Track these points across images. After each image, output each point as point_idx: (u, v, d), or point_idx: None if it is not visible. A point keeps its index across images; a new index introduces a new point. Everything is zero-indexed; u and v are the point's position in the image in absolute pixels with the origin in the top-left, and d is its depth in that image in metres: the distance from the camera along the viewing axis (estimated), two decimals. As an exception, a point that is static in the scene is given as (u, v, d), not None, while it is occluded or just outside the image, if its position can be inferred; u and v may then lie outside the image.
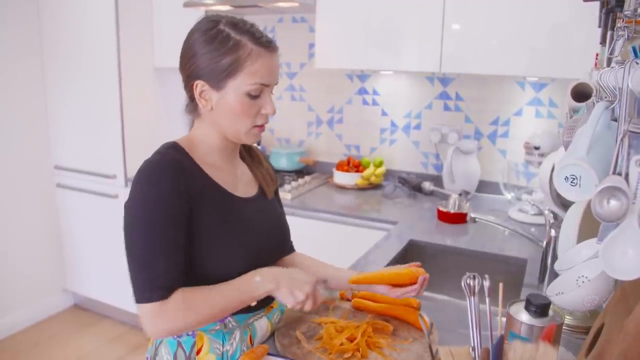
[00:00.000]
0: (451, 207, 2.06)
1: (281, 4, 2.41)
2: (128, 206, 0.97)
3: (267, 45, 1.00)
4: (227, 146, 1.09)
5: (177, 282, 0.96)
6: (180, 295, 0.95)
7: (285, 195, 2.38)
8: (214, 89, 1.00)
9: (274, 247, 1.18)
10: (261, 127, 1.05)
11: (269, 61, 1.00)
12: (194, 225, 0.99)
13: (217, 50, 0.97)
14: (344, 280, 1.21)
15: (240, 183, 1.13)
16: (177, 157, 1.00)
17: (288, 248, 1.28)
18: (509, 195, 2.26)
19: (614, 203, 0.73)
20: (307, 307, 1.03)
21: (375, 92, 2.72)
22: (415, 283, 1.15)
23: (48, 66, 2.87)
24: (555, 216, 1.60)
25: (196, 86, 1.00)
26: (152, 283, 0.94)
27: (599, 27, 1.26)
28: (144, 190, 0.96)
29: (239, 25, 0.99)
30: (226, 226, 1.03)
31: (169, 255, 0.95)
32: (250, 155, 1.22)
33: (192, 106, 1.06)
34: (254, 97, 1.00)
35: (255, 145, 1.24)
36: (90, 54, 2.69)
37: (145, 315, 0.95)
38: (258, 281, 1.02)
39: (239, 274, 1.04)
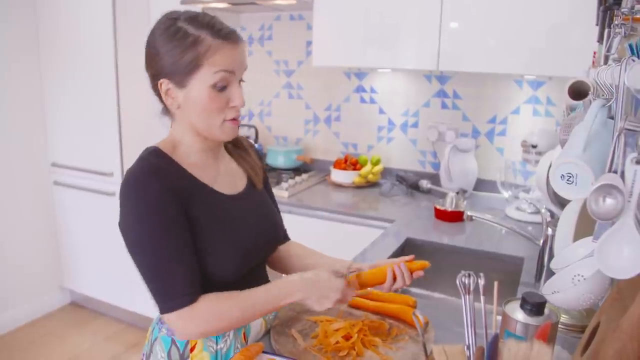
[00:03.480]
0: (448, 206, 2.06)
1: (278, 2, 2.40)
2: (125, 222, 0.96)
3: (227, 37, 0.97)
4: (207, 144, 1.07)
5: (198, 283, 0.96)
6: (207, 300, 0.96)
7: (282, 193, 2.38)
8: (178, 86, 0.98)
9: (266, 242, 1.17)
10: (234, 120, 1.02)
11: (229, 52, 0.97)
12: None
13: (177, 48, 0.96)
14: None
15: (227, 179, 1.11)
16: (158, 162, 0.99)
17: (281, 239, 1.26)
18: (506, 194, 2.25)
19: (609, 201, 0.73)
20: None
21: (372, 90, 2.71)
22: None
23: (45, 65, 2.86)
24: (552, 214, 1.60)
25: (161, 85, 0.99)
26: (175, 291, 0.93)
27: (597, 25, 1.25)
28: (135, 202, 0.95)
29: (197, 19, 0.97)
30: (216, 226, 1.02)
31: (182, 259, 0.95)
32: (236, 146, 1.20)
33: (165, 107, 1.05)
34: (220, 89, 0.98)
35: (241, 135, 1.22)
36: (88, 52, 2.68)
37: (175, 323, 0.95)
38: (287, 290, 1.02)
39: (232, 274, 1.03)
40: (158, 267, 0.94)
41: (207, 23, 0.97)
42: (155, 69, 1.00)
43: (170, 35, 0.96)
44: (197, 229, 0.99)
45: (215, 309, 0.96)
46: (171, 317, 0.95)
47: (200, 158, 1.07)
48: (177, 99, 1.00)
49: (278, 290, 1.02)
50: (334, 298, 1.02)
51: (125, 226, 0.96)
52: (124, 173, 0.97)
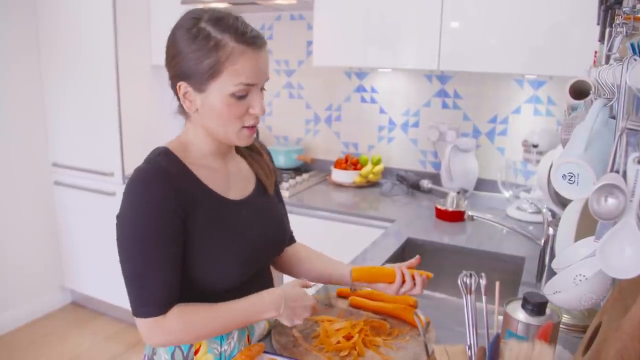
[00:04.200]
0: (449, 205, 2.05)
1: (279, 1, 2.40)
2: (121, 218, 0.95)
3: (251, 41, 0.93)
4: (219, 147, 1.05)
5: (174, 297, 0.96)
6: (178, 312, 0.95)
7: (283, 193, 2.35)
8: (197, 90, 0.95)
9: (269, 245, 1.15)
10: (251, 128, 1.01)
11: (253, 59, 0.94)
12: (188, 233, 0.96)
13: (198, 51, 0.92)
14: (343, 274, 1.20)
15: (236, 182, 1.09)
16: (166, 165, 0.97)
17: (286, 242, 1.25)
18: (507, 194, 2.25)
19: (611, 201, 0.73)
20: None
21: (373, 90, 2.71)
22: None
23: (45, 65, 2.86)
24: (554, 214, 1.60)
25: (179, 87, 0.97)
26: (148, 299, 0.93)
27: (598, 24, 1.25)
28: (135, 202, 0.94)
29: (222, 21, 0.93)
30: (219, 233, 1.01)
31: (164, 271, 0.94)
32: (249, 148, 1.18)
33: (181, 107, 1.02)
34: (239, 97, 0.95)
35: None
36: (88, 51, 2.68)
37: (143, 328, 0.95)
38: (261, 308, 1.02)
39: (235, 281, 1.03)
40: (138, 272, 0.93)
41: (231, 25, 0.93)
42: (175, 71, 0.96)
43: (192, 37, 0.93)
44: (195, 236, 0.97)
45: (185, 322, 0.95)
46: (139, 323, 0.95)
47: (210, 161, 1.05)
48: (194, 102, 0.97)
49: (252, 307, 1.02)
50: (304, 316, 1.05)
51: (121, 223, 0.96)
52: (132, 171, 0.96)
